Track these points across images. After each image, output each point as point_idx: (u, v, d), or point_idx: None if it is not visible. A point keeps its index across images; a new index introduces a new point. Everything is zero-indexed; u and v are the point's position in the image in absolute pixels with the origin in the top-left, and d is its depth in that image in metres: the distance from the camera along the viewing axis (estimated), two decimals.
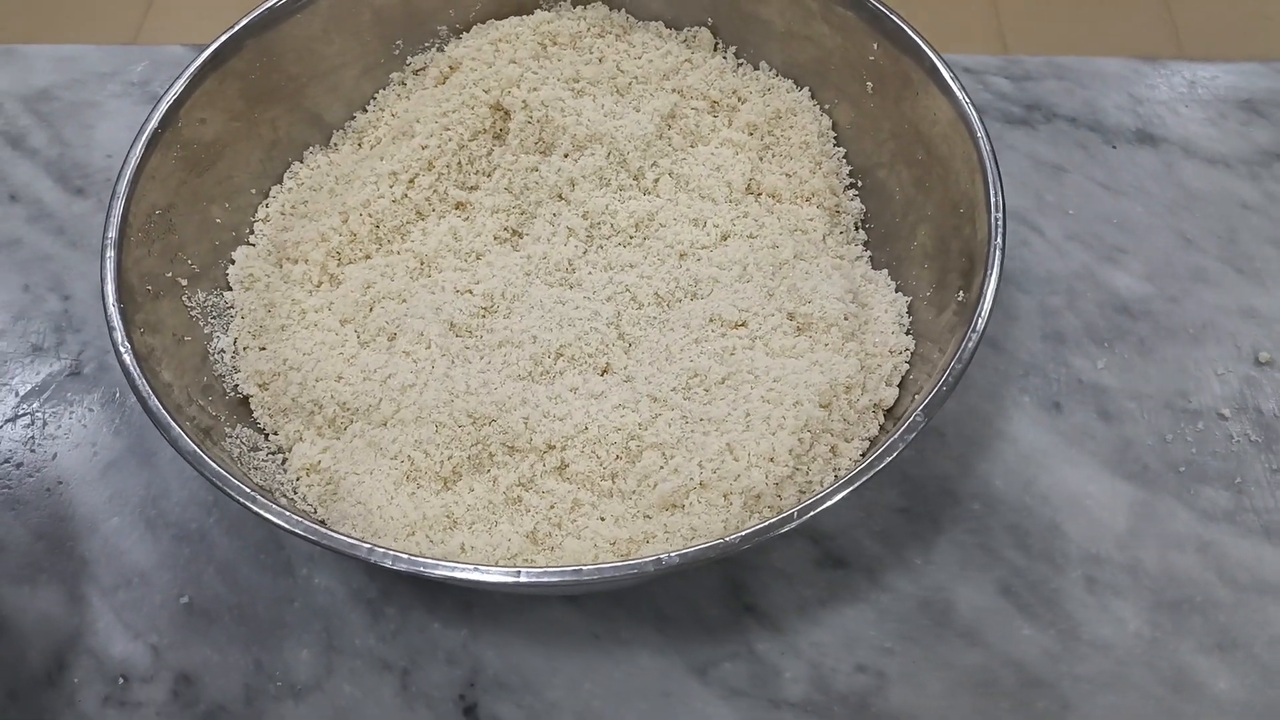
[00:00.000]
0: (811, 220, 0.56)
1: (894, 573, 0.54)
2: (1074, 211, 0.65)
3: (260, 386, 0.52)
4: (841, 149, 0.59)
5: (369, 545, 0.40)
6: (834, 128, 0.59)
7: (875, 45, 0.56)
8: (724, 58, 0.61)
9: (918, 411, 0.44)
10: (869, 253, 0.57)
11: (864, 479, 0.42)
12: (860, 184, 0.58)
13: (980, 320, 0.46)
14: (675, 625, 0.53)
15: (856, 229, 0.57)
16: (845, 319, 0.51)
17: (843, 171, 0.58)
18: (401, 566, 0.40)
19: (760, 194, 0.57)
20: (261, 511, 0.42)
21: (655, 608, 0.53)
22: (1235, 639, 0.52)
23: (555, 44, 0.60)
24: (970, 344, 0.45)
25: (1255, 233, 0.64)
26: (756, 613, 0.53)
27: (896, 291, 0.54)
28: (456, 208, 0.58)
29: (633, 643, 0.52)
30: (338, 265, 0.56)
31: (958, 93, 0.52)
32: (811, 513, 0.41)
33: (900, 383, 0.51)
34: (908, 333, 0.53)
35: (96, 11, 1.60)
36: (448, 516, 0.47)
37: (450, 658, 0.52)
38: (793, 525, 0.41)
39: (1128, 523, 0.55)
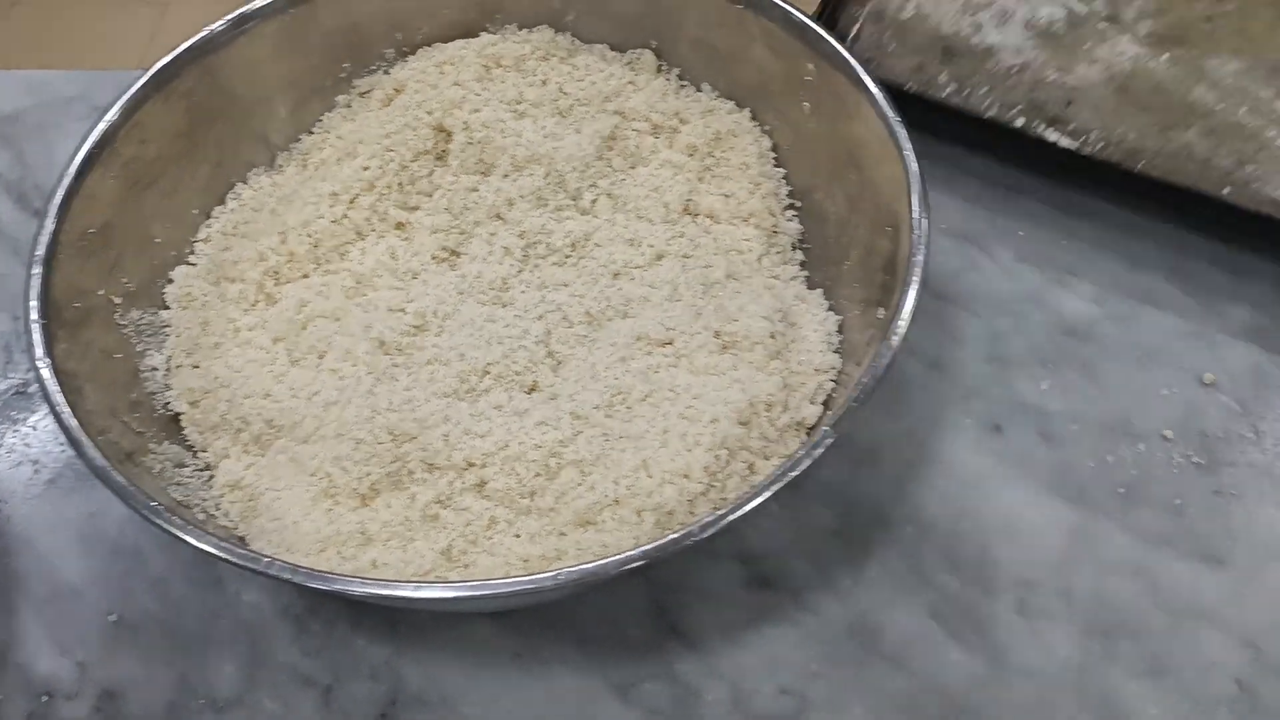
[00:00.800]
0: (748, 240, 0.56)
1: (822, 595, 0.54)
2: (1024, 234, 0.64)
3: (191, 404, 0.53)
4: (781, 170, 0.59)
5: (257, 556, 0.41)
6: (774, 149, 0.59)
7: (811, 66, 0.56)
8: (667, 80, 0.61)
9: (824, 427, 0.44)
10: (805, 273, 0.57)
11: (756, 500, 0.42)
12: (799, 205, 0.58)
13: (895, 336, 0.46)
14: (598, 645, 0.52)
15: (794, 249, 0.57)
16: (771, 337, 0.51)
17: (781, 192, 0.58)
18: (285, 575, 0.40)
19: (698, 215, 0.58)
20: (160, 522, 0.42)
21: (579, 627, 0.53)
22: (1166, 665, 0.52)
23: (499, 66, 0.60)
24: (884, 359, 0.45)
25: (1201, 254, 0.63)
26: (680, 634, 0.52)
27: (829, 311, 0.54)
28: (397, 228, 0.58)
29: (554, 662, 0.52)
30: (275, 285, 0.56)
31: (888, 112, 0.52)
32: (691, 540, 0.41)
33: (825, 401, 0.51)
34: (836, 351, 0.52)
35: (107, 38, 1.63)
36: (362, 533, 0.48)
37: (373, 674, 0.52)
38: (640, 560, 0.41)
39: (1063, 546, 0.55)
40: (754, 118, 0.60)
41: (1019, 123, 0.61)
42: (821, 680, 0.51)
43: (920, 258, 0.48)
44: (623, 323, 0.53)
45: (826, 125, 0.56)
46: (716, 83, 0.60)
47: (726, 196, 0.58)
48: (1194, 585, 0.54)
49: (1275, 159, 0.59)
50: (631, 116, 0.59)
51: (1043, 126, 0.61)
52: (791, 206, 0.58)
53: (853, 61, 0.54)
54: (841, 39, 0.55)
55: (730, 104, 0.60)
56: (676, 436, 0.48)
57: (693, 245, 0.56)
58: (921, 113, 0.59)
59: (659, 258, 0.55)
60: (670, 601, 0.53)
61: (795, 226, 0.58)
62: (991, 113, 0.62)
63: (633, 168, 0.58)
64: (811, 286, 0.56)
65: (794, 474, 0.42)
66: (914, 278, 0.47)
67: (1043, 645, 0.52)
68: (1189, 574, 0.54)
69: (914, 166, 0.50)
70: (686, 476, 0.47)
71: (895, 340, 0.46)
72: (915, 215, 0.49)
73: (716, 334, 0.52)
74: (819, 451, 0.44)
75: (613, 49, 0.62)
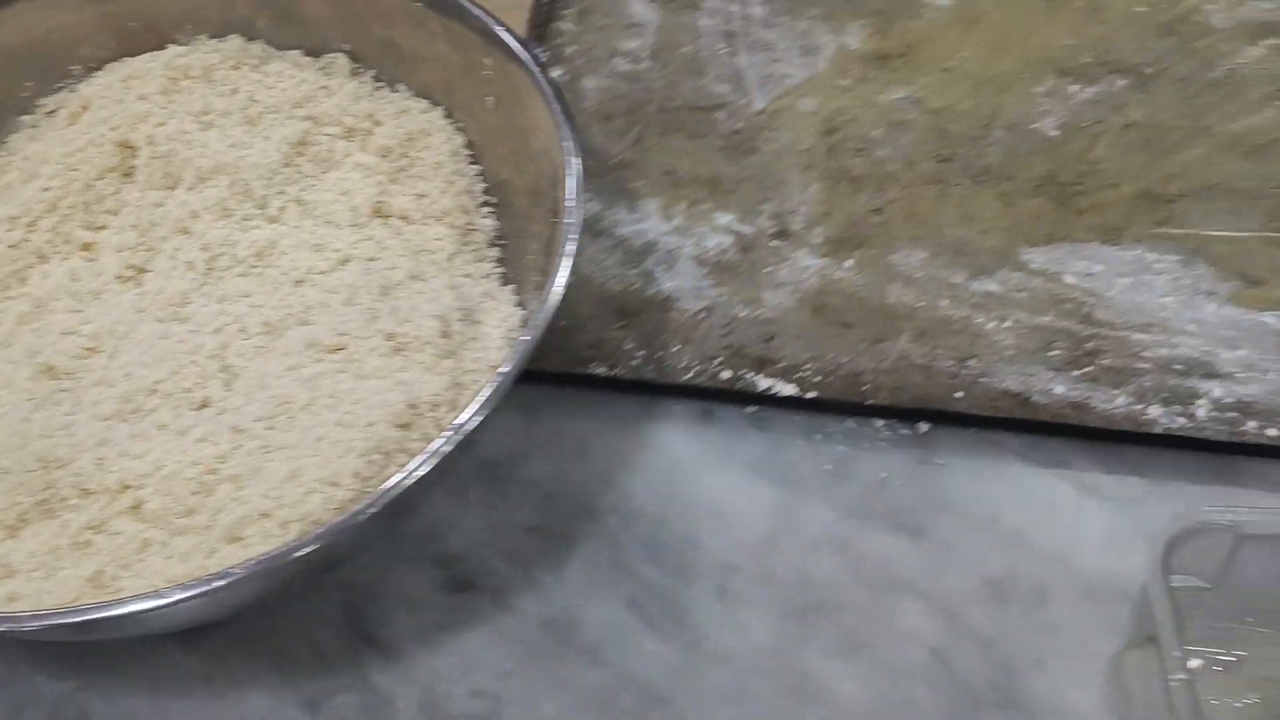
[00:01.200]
0: (439, 240, 0.55)
1: (521, 593, 0.53)
2: None
3: None
4: (476, 167, 0.58)
5: None
6: (469, 146, 0.58)
7: (489, 61, 0.55)
8: (361, 83, 0.60)
9: (447, 431, 0.43)
10: (501, 269, 0.56)
11: (369, 507, 0.41)
12: (495, 201, 0.58)
13: (536, 330, 0.46)
14: (292, 661, 0.51)
15: (490, 246, 0.57)
16: (444, 337, 0.51)
17: (476, 189, 0.58)
18: None
19: (390, 216, 0.57)
20: None
21: (272, 645, 0.52)
22: (863, 640, 0.51)
23: (188, 78, 0.59)
24: (518, 354, 0.45)
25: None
26: (375, 642, 0.52)
27: (517, 307, 0.54)
28: (84, 248, 0.56)
29: (246, 683, 0.51)
30: None
31: (554, 101, 0.52)
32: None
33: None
34: None
35: None
36: (4, 566, 0.46)
37: (55, 709, 0.50)
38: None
39: (767, 528, 0.54)
40: (447, 116, 0.59)
41: (724, 375, 0.55)
42: (515, 679, 0.51)
43: (570, 248, 0.47)
44: (300, 331, 0.52)
45: (507, 119, 0.55)
46: (410, 83, 0.60)
47: (420, 197, 0.57)
48: (894, 558, 0.53)
49: (994, 347, 0.55)
50: (324, 121, 0.58)
51: (751, 374, 0.55)
52: (487, 203, 0.58)
53: (523, 54, 0.53)
54: None
55: (424, 103, 0.59)
56: (329, 444, 0.47)
57: (380, 248, 0.55)
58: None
59: (344, 262, 0.54)
60: (367, 610, 0.52)
61: (491, 223, 0.57)
62: (691, 374, 0.55)
63: (325, 172, 0.57)
64: (507, 282, 0.56)
65: (407, 484, 0.41)
66: (559, 269, 0.47)
67: (740, 629, 0.52)
68: (889, 547, 0.54)
69: (574, 160, 0.50)
70: (335, 484, 0.46)
71: (535, 334, 0.45)
72: (569, 203, 0.49)
73: (389, 336, 0.51)
74: (449, 448, 0.43)
75: (307, 54, 0.61)
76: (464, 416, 0.44)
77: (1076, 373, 0.55)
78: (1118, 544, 0.53)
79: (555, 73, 0.64)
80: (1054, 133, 0.61)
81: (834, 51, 0.64)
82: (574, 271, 0.48)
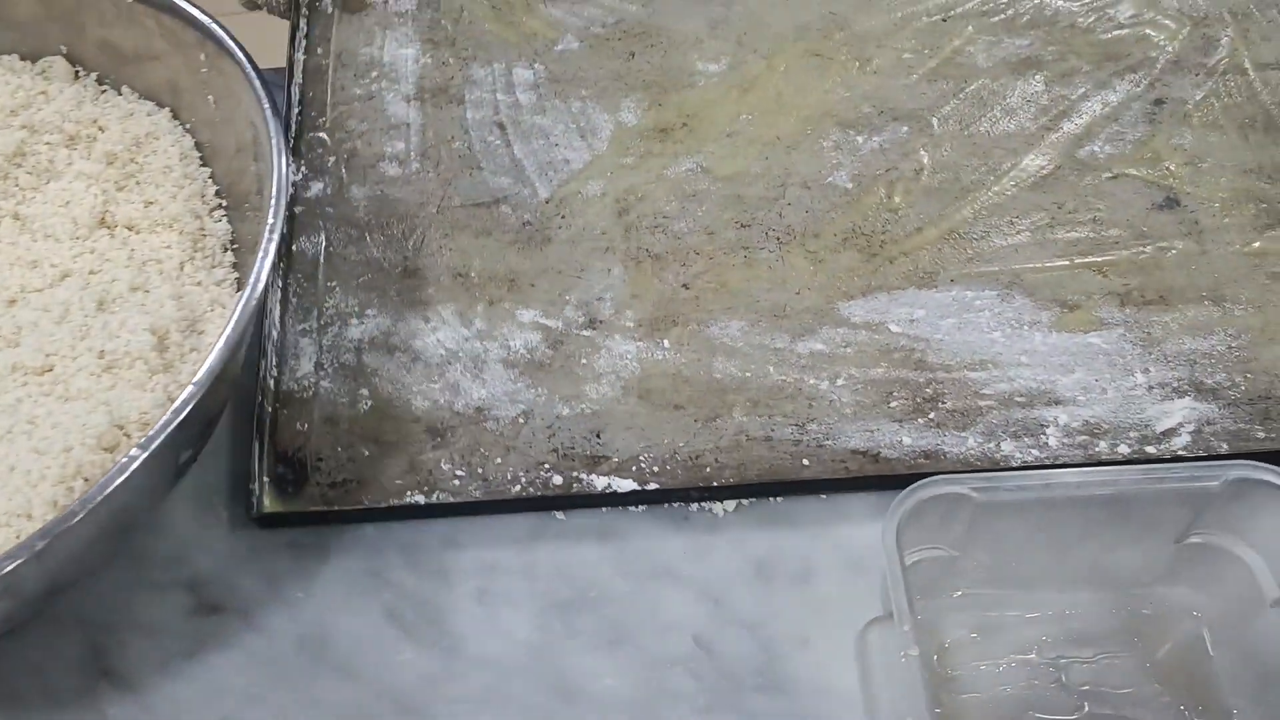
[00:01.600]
0: (168, 248, 0.53)
1: (272, 612, 0.51)
2: None
3: None
4: (208, 169, 0.55)
5: None
6: (199, 147, 0.56)
7: (204, 56, 0.53)
8: (83, 86, 0.57)
9: (134, 447, 0.41)
10: (237, 274, 0.53)
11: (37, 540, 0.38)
12: (227, 204, 0.55)
13: (214, 352, 0.43)
14: (25, 703, 0.49)
15: (225, 251, 0.54)
16: (157, 351, 0.48)
17: (208, 193, 0.55)
18: None
19: (116, 227, 0.54)
20: None
21: (6, 686, 0.49)
22: (626, 633, 0.50)
23: None
24: (205, 373, 0.43)
25: None
26: (114, 675, 0.49)
27: None
28: None
29: None
30: None
31: (264, 100, 0.49)
32: None
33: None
34: None
35: None
36: None
37: None
38: None
39: (528, 525, 0.53)
40: (175, 117, 0.56)
41: (557, 481, 0.51)
42: (265, 704, 0.48)
43: (272, 248, 0.45)
44: (6, 354, 0.49)
45: (228, 117, 0.53)
46: (135, 84, 0.57)
47: (148, 204, 0.54)
48: (660, 546, 0.52)
49: (832, 407, 0.53)
50: (42, 129, 0.55)
51: (587, 474, 0.51)
52: (220, 207, 0.55)
53: (234, 47, 0.51)
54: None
55: (150, 105, 0.56)
56: (21, 474, 0.44)
57: (102, 260, 0.52)
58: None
59: (62, 278, 0.51)
60: (107, 642, 0.50)
61: (224, 227, 0.54)
62: (519, 485, 0.51)
63: (45, 184, 0.54)
64: (242, 288, 0.53)
65: (70, 523, 0.39)
66: (261, 273, 0.45)
67: (501, 631, 0.50)
68: (655, 536, 0.52)
69: (281, 161, 0.48)
70: (28, 516, 0.43)
71: (209, 364, 0.43)
72: (274, 204, 0.46)
73: (100, 354, 0.48)
74: (134, 464, 0.40)
75: (24, 59, 0.57)
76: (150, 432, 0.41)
77: (921, 420, 0.53)
78: (884, 511, 0.51)
79: (316, 187, 0.59)
80: (849, 185, 0.60)
81: (612, 130, 0.61)
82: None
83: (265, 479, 0.52)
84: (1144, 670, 0.48)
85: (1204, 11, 0.67)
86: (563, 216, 0.59)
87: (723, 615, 0.50)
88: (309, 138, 0.61)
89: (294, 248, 0.58)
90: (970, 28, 0.66)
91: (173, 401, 0.46)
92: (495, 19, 0.66)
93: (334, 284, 0.57)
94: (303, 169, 0.60)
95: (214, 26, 0.52)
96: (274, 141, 0.48)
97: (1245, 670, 0.47)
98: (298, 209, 0.59)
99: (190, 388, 0.42)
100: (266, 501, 0.51)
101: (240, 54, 0.51)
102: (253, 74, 0.50)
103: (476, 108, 0.63)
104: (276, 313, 0.56)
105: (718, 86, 0.64)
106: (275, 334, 0.55)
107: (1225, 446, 0.53)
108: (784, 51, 0.65)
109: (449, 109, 0.63)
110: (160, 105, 0.57)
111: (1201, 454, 0.53)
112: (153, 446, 0.41)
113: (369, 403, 0.54)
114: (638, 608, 0.51)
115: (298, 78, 0.63)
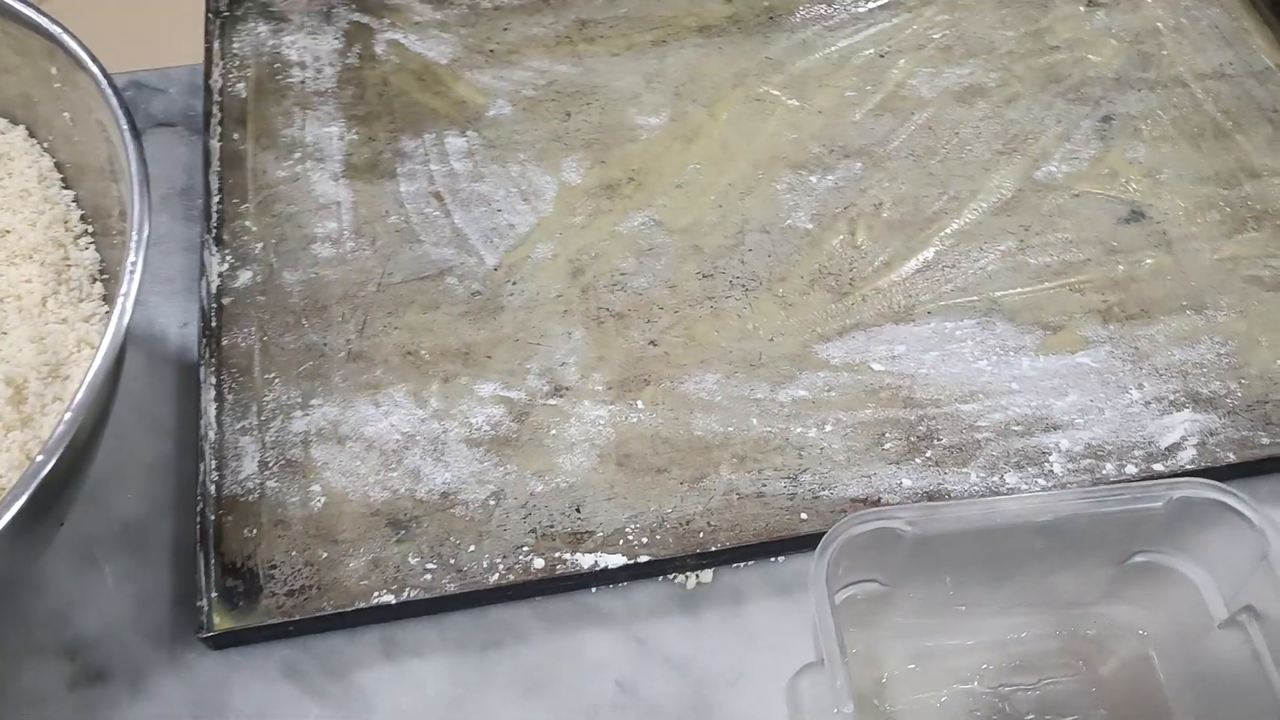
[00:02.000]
0: (28, 283, 0.48)
1: (163, 676, 0.46)
2: None
3: None
4: (70, 191, 0.51)
5: None
6: (59, 168, 0.51)
7: (55, 70, 0.48)
8: None
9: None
10: (107, 307, 0.48)
11: None
12: (94, 229, 0.51)
13: (85, 387, 0.39)
14: None
15: (93, 282, 0.49)
16: (12, 405, 0.43)
17: (72, 218, 0.50)
18: None
19: None
20: None
21: None
22: (547, 679, 0.46)
23: None
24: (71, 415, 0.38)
25: None
26: None
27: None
28: None
29: None
30: None
31: (120, 115, 0.45)
32: None
33: None
34: None
35: None
36: None
37: None
38: None
39: None
40: (30, 135, 0.52)
41: (538, 564, 0.47)
42: None
43: (133, 268, 0.42)
44: None
45: (86, 135, 0.49)
46: None
47: (4, 233, 0.49)
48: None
49: (824, 454, 0.50)
50: None
51: (570, 552, 0.47)
52: (87, 233, 0.51)
53: (87, 57, 0.47)
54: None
55: (3, 122, 0.52)
56: None
57: None
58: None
59: None
60: None
61: (92, 255, 0.50)
62: (498, 574, 0.47)
63: None
64: None
65: None
66: (125, 308, 0.41)
67: (414, 684, 0.46)
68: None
69: (138, 185, 0.44)
70: None
71: (73, 409, 0.38)
72: (134, 234, 0.43)
73: None
74: None
75: None
76: None
77: (919, 460, 0.50)
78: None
79: (245, 275, 0.55)
80: (809, 225, 0.58)
81: (556, 191, 0.58)
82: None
83: (213, 594, 0.46)
84: (1089, 694, 0.46)
85: (1136, 29, 0.67)
86: (514, 283, 0.56)
87: (649, 655, 0.47)
88: (232, 226, 0.57)
89: (224, 341, 0.53)
90: (905, 61, 0.65)
91: (31, 462, 0.40)
92: (421, 89, 0.63)
93: (272, 375, 0.52)
94: (228, 258, 0.56)
95: (63, 35, 0.47)
96: (132, 162, 0.44)
97: (1193, 689, 0.45)
98: (225, 300, 0.54)
99: (39, 458, 0.37)
100: (216, 619, 0.46)
101: (92, 65, 0.46)
102: (107, 87, 0.46)
103: (410, 180, 0.59)
104: (212, 412, 0.51)
105: (661, 139, 0.61)
106: (212, 435, 0.50)
107: (1232, 457, 0.51)
108: (724, 99, 0.63)
109: (381, 183, 0.59)
110: (14, 122, 0.52)
111: (1208, 466, 0.51)
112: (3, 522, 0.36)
113: (322, 500, 0.49)
114: (558, 651, 0.47)
115: (215, 165, 0.59)
